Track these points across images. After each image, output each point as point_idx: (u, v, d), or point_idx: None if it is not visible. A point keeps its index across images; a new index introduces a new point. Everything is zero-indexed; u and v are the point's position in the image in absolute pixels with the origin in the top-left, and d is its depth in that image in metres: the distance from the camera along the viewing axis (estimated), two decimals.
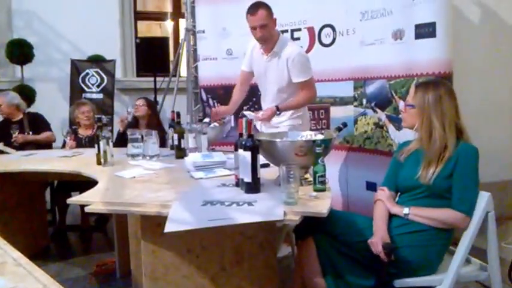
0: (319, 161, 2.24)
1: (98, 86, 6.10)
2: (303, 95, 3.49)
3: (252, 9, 3.35)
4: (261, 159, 2.30)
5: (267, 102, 3.69)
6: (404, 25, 3.61)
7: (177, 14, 7.03)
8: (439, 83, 2.37)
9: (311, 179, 2.38)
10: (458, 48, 3.71)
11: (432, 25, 3.40)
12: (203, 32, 4.90)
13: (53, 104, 5.85)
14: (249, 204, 2.04)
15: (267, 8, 3.38)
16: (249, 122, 2.25)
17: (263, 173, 2.34)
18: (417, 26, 3.49)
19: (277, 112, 3.49)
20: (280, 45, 3.47)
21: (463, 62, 4.03)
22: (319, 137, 2.58)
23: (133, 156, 3.44)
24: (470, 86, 4.18)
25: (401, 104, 3.57)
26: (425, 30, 3.44)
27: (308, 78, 3.44)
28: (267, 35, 3.41)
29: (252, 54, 3.71)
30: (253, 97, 4.47)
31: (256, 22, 3.33)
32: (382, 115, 3.86)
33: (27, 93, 5.66)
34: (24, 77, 5.99)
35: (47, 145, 4.82)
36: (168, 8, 7.15)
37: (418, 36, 3.50)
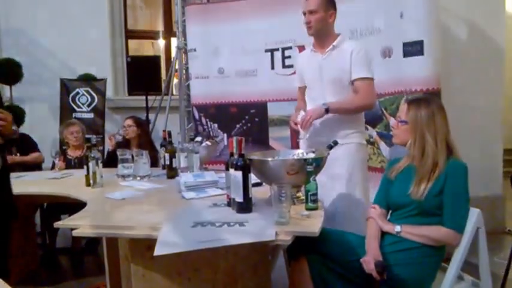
0: (311, 179, 2.26)
1: (89, 106, 6.10)
2: (359, 97, 3.00)
3: None
4: (253, 178, 2.31)
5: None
6: (392, 43, 3.68)
7: (168, 32, 7.07)
8: (431, 100, 2.40)
9: (303, 197, 2.39)
10: (446, 66, 3.77)
11: (420, 43, 3.47)
12: (195, 50, 4.95)
13: (42, 125, 5.87)
14: (241, 224, 2.05)
15: None
16: (240, 141, 2.26)
17: (255, 192, 2.35)
18: (405, 44, 3.56)
19: (326, 112, 2.93)
20: (340, 39, 3.08)
21: (451, 79, 4.09)
22: (311, 155, 2.59)
23: (123, 176, 3.44)
24: (458, 102, 4.23)
25: (392, 121, 3.61)
26: (413, 48, 3.50)
27: (369, 75, 2.99)
28: (316, 24, 3.00)
29: (302, 62, 3.31)
30: (245, 115, 4.50)
31: (307, 7, 3.01)
32: (373, 132, 3.89)
33: (16, 114, 5.64)
34: (13, 97, 5.98)
35: (35, 166, 4.80)
36: (160, 26, 7.20)
37: (406, 53, 3.56)
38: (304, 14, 3.03)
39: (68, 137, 4.77)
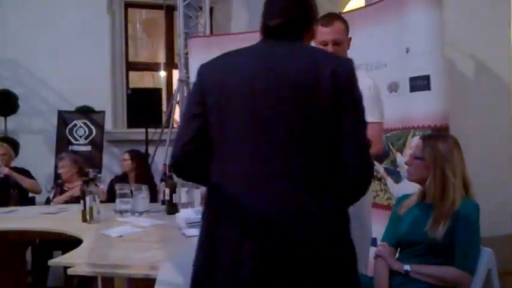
0: None
1: (86, 138, 6.09)
2: None
3: (327, 20, 2.71)
4: None
5: None
6: (398, 78, 3.70)
7: (170, 64, 7.12)
8: (447, 136, 2.42)
9: None
10: (454, 102, 3.78)
11: (427, 78, 3.48)
12: None
13: (37, 158, 5.82)
14: None
15: (345, 22, 2.78)
16: None
17: None
18: (412, 79, 3.58)
19: None
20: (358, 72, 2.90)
21: (460, 115, 4.09)
22: None
23: (121, 212, 3.42)
24: (467, 139, 4.23)
25: (399, 157, 3.60)
26: (420, 83, 3.51)
27: (377, 120, 2.67)
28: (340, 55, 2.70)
29: None
30: None
31: (330, 35, 2.68)
32: (380, 167, 3.88)
33: (10, 146, 5.64)
34: (7, 129, 5.98)
35: (30, 200, 4.77)
36: (161, 58, 7.26)
37: (413, 88, 3.57)
38: (325, 43, 2.72)
39: (60, 170, 4.75)
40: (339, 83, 1.54)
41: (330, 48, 2.67)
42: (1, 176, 4.60)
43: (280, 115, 1.54)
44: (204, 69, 1.71)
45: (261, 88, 1.57)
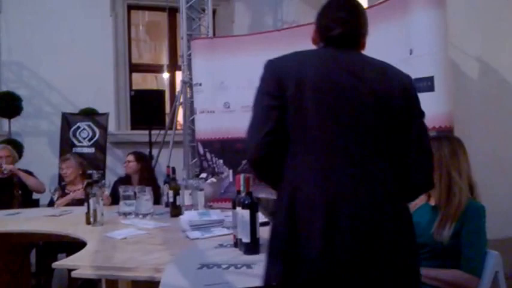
0: None
1: (90, 140, 6.10)
2: None
3: None
4: (260, 216, 2.28)
5: None
6: None
7: (173, 66, 7.13)
8: (451, 137, 2.39)
9: None
10: (458, 103, 3.77)
11: (430, 79, 3.47)
12: (200, 85, 4.96)
13: (41, 160, 5.82)
14: (248, 266, 2.01)
15: None
16: (247, 179, 2.24)
17: (262, 232, 2.31)
18: (415, 80, 3.55)
19: None
20: None
21: (464, 116, 4.07)
22: None
23: (125, 214, 3.41)
24: (471, 140, 4.21)
25: None
26: (423, 84, 3.50)
27: None
28: None
29: None
30: None
31: None
32: None
33: (14, 148, 5.64)
34: (11, 131, 6.00)
35: (34, 202, 4.77)
36: (164, 60, 7.27)
37: (417, 90, 3.55)
38: None
39: (63, 173, 4.74)
40: (407, 94, 1.70)
41: None
42: (6, 172, 4.59)
43: (359, 116, 1.61)
44: (277, 62, 1.73)
45: (342, 87, 1.63)
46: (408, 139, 1.67)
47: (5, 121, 6.05)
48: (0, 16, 6.35)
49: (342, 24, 1.74)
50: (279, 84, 1.64)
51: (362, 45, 1.81)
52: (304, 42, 4.21)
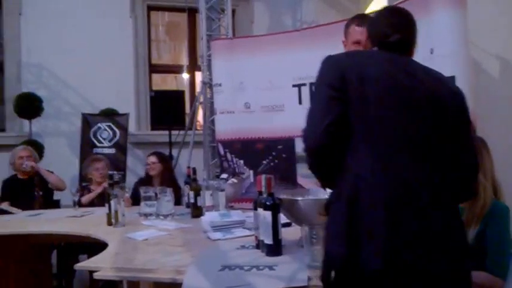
0: None
1: (110, 141, 6.13)
2: None
3: (360, 19, 2.82)
4: (282, 217, 2.25)
5: None
6: None
7: (193, 66, 7.14)
8: (475, 137, 2.34)
9: None
10: (479, 101, 3.70)
11: (452, 79, 3.41)
12: (220, 85, 4.95)
13: (61, 160, 5.86)
14: (270, 268, 1.99)
15: None
16: (269, 180, 2.22)
17: (284, 233, 2.29)
18: None
19: None
20: None
21: (486, 116, 4.00)
22: None
23: (146, 215, 3.41)
24: (491, 140, 4.14)
25: None
26: None
27: None
28: None
29: None
30: (272, 151, 4.47)
31: (364, 35, 2.59)
32: None
33: (34, 149, 5.68)
34: (32, 132, 6.05)
35: (54, 204, 4.80)
36: (184, 61, 7.28)
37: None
38: (358, 42, 2.77)
39: (93, 173, 4.76)
40: (459, 101, 1.79)
41: (363, 47, 2.70)
42: (27, 169, 4.64)
43: (416, 116, 1.67)
44: (339, 57, 1.81)
45: (402, 85, 1.69)
46: (456, 147, 1.72)
47: (26, 122, 6.10)
48: (20, 18, 6.41)
49: (399, 31, 1.84)
50: (342, 77, 1.68)
51: (411, 53, 1.90)
52: (324, 42, 4.21)
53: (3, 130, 6.40)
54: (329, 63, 1.77)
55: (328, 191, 1.89)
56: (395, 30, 1.84)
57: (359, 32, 2.75)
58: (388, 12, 1.95)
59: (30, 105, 5.98)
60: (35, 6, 6.40)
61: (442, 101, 1.71)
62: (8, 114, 6.30)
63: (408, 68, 1.76)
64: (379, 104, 1.66)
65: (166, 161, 4.98)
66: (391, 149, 1.64)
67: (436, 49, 3.55)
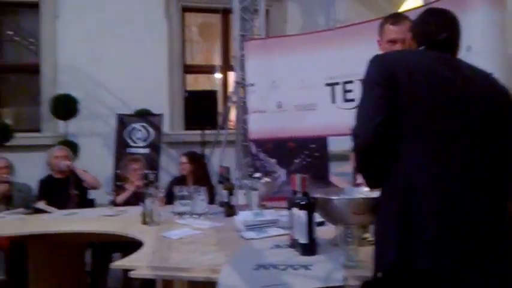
0: None
1: (144, 141, 6.18)
2: None
3: (395, 18, 2.77)
4: (317, 217, 2.23)
5: None
6: None
7: (225, 67, 7.15)
8: None
9: (371, 238, 2.28)
10: None
11: None
12: (252, 85, 4.94)
13: (96, 160, 5.93)
14: (306, 267, 1.96)
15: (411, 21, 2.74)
16: (303, 179, 2.20)
17: (318, 232, 2.26)
18: None
19: None
20: None
21: None
22: (378, 193, 2.48)
23: (180, 214, 3.41)
24: None
25: None
26: None
27: None
28: None
29: None
30: (305, 150, 4.44)
31: (400, 34, 2.66)
32: None
33: (70, 149, 5.75)
34: (68, 132, 6.13)
35: (89, 203, 4.86)
36: (217, 61, 7.29)
37: None
38: (393, 41, 2.72)
39: (131, 173, 4.80)
40: (505, 98, 1.80)
41: (398, 46, 2.69)
42: (64, 168, 4.71)
43: (467, 114, 1.69)
44: (387, 56, 1.88)
45: (453, 83, 1.72)
46: (505, 143, 1.73)
47: (61, 123, 6.19)
48: (57, 21, 6.51)
49: (446, 30, 1.89)
50: (392, 76, 1.70)
51: (456, 53, 1.93)
52: (357, 41, 4.16)
53: (39, 131, 6.52)
54: (378, 62, 1.79)
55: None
56: (442, 29, 1.87)
57: (394, 31, 2.73)
58: (435, 12, 1.97)
59: (65, 107, 6.08)
60: (71, 10, 6.51)
61: (489, 98, 1.73)
62: (44, 115, 6.43)
63: (456, 65, 1.79)
64: (430, 101, 1.67)
65: (198, 161, 4.99)
66: (443, 147, 1.64)
67: (474, 47, 3.49)
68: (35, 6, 6.57)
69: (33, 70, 6.63)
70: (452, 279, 1.55)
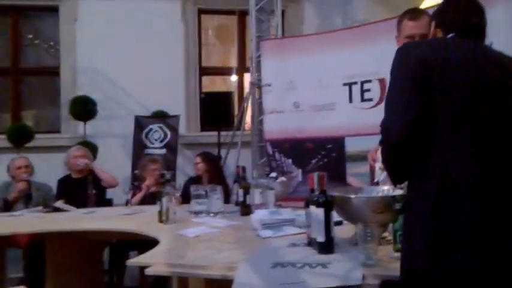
0: (400, 217, 2.08)
1: (161, 141, 6.16)
2: None
3: (413, 14, 2.72)
4: (334, 215, 2.17)
5: None
6: None
7: (241, 68, 7.11)
8: None
9: (390, 237, 2.21)
10: None
11: None
12: (269, 85, 4.90)
13: (115, 161, 5.89)
14: (323, 266, 1.90)
15: (430, 17, 2.69)
16: (321, 177, 2.14)
17: (336, 232, 2.20)
18: None
19: None
20: None
21: None
22: (398, 191, 2.41)
23: (196, 213, 3.38)
24: None
25: None
26: None
27: None
28: None
29: None
30: (321, 151, 4.38)
31: (419, 29, 2.61)
32: None
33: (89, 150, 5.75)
34: (86, 134, 6.13)
35: (107, 203, 4.85)
36: (233, 62, 7.26)
37: None
38: (412, 37, 2.65)
39: (150, 173, 4.78)
40: None
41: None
42: (82, 166, 4.73)
43: (507, 105, 1.60)
44: (417, 46, 1.77)
45: (487, 72, 1.61)
46: None
47: (80, 124, 6.19)
48: (76, 24, 6.53)
49: (477, 16, 1.78)
50: (424, 67, 1.59)
51: (484, 42, 1.81)
52: (375, 39, 4.09)
53: (58, 132, 6.54)
54: (407, 52, 1.68)
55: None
56: (473, 14, 1.77)
57: (412, 27, 2.65)
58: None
59: (84, 108, 6.08)
60: (90, 13, 6.52)
61: None
62: (64, 116, 6.44)
63: (489, 54, 1.69)
64: (465, 93, 1.57)
65: (212, 160, 4.98)
66: (483, 144, 1.54)
67: (495, 42, 3.42)
68: (55, 10, 6.60)
69: (53, 72, 6.67)
70: (490, 282, 1.47)
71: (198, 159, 4.80)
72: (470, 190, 1.49)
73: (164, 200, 3.19)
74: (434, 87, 1.56)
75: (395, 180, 1.76)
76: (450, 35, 1.76)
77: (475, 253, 1.45)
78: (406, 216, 1.67)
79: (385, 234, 2.31)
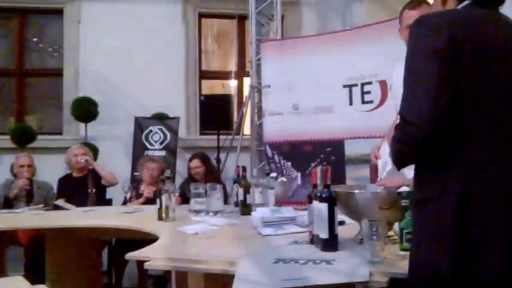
0: (406, 215, 1.96)
1: (161, 143, 6.09)
2: None
3: (414, 3, 2.66)
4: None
5: None
6: None
7: (241, 72, 7.03)
8: None
9: (395, 237, 2.10)
10: None
11: None
12: (269, 87, 4.79)
13: (115, 162, 5.78)
14: (327, 262, 1.80)
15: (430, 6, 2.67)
16: (325, 171, 2.03)
17: (339, 231, 2.08)
18: None
19: None
20: None
21: None
22: (405, 188, 2.29)
23: (196, 212, 3.28)
24: None
25: None
26: None
27: None
28: None
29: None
30: (321, 154, 4.29)
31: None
32: None
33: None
34: (87, 135, 6.06)
35: (107, 202, 4.76)
36: (232, 66, 7.17)
37: None
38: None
39: (144, 171, 4.71)
40: None
41: None
42: (83, 162, 4.66)
43: None
44: (441, 18, 1.41)
45: None
46: None
47: (82, 126, 6.13)
48: (79, 26, 6.46)
49: None
50: (452, 45, 1.32)
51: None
52: (375, 41, 3.99)
53: (60, 133, 6.47)
54: (429, 26, 1.38)
55: None
56: None
57: (413, 15, 2.50)
58: None
59: (86, 110, 6.02)
60: (93, 15, 6.47)
61: None
62: (66, 118, 6.38)
63: None
64: (501, 79, 1.34)
65: (209, 162, 4.89)
66: (501, 151, 1.34)
67: None
68: (59, 13, 6.55)
69: (56, 75, 6.61)
70: None
71: (197, 163, 4.70)
72: (499, 192, 1.31)
73: (164, 197, 3.12)
74: (462, 73, 1.32)
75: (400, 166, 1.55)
76: (466, 2, 1.47)
77: (504, 258, 1.30)
78: (419, 216, 1.47)
79: (391, 233, 2.20)
